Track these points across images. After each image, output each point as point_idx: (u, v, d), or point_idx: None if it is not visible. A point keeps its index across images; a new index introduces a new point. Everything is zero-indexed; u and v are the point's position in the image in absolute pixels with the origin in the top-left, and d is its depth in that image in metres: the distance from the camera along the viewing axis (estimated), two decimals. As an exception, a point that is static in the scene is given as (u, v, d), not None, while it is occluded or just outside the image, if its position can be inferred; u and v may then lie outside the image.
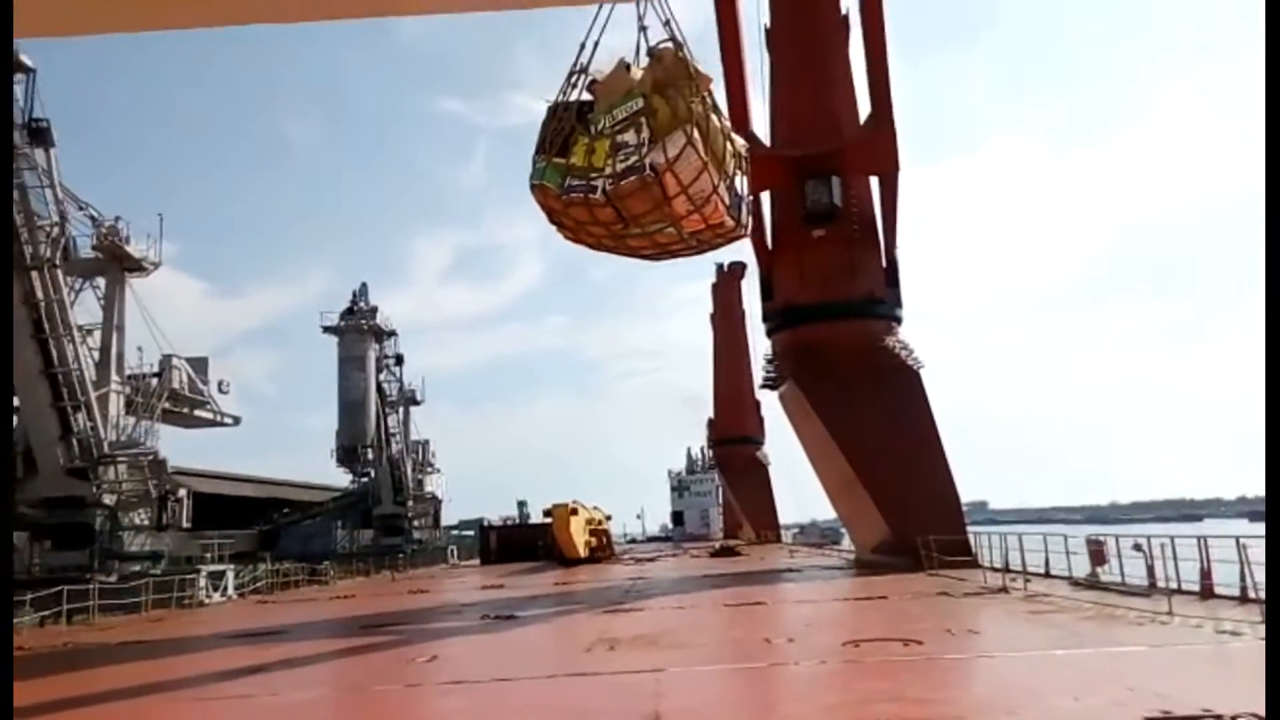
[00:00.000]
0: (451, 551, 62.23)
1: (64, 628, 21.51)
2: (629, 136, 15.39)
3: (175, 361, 34.76)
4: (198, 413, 36.70)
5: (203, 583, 28.94)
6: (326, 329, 60.47)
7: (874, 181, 32.64)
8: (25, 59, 26.93)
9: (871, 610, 17.61)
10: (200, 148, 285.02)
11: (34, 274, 27.23)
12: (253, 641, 17.16)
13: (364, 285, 62.25)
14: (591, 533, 46.56)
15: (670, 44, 16.34)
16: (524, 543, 50.62)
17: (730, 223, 17.21)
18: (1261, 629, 12.32)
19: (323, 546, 54.40)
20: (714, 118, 16.34)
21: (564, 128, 16.47)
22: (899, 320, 32.18)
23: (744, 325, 78.59)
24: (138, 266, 32.97)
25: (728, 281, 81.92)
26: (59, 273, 28.19)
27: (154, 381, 33.59)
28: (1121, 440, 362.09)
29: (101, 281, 32.63)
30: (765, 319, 34.23)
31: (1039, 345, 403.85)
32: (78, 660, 15.98)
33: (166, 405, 33.87)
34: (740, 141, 17.35)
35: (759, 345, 51.13)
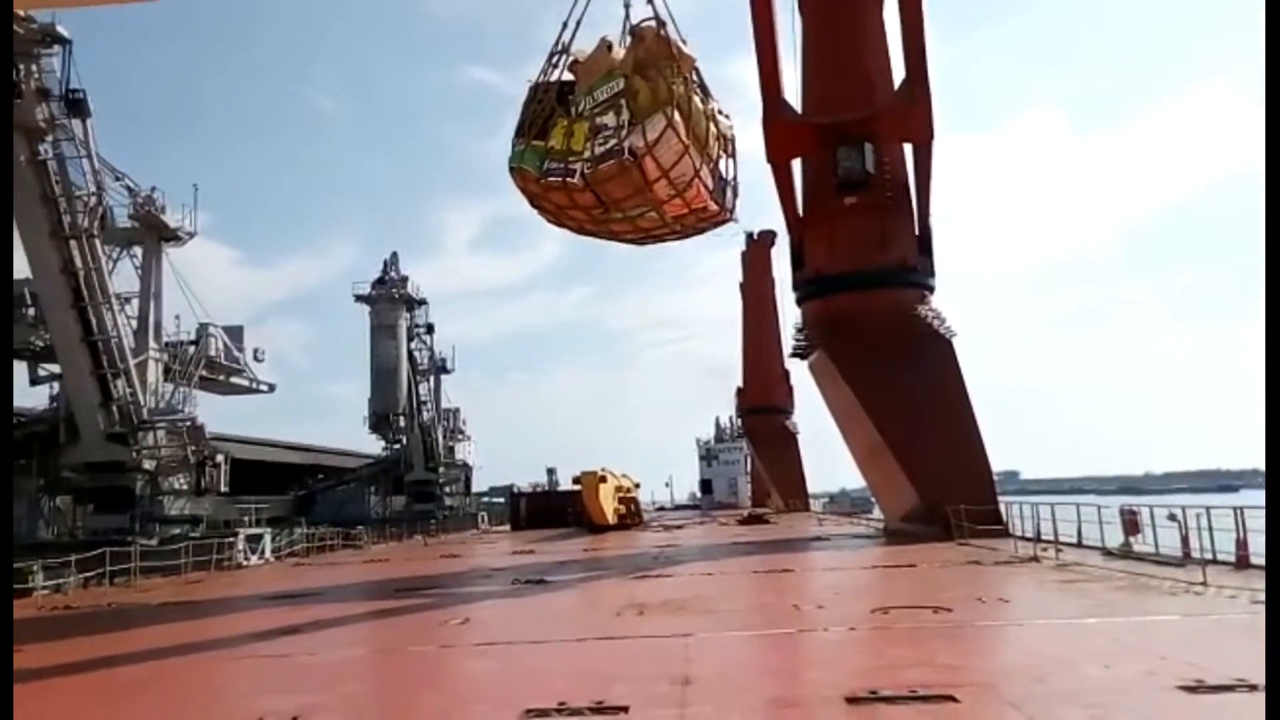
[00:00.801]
0: (482, 518, 63.01)
1: (107, 588, 22.11)
2: (608, 119, 14.97)
3: (211, 330, 35.37)
4: (234, 380, 37.34)
5: (241, 546, 29.54)
6: (358, 298, 61.03)
7: (907, 149, 32.09)
8: (62, 30, 27.17)
9: (901, 578, 17.60)
10: (232, 121, 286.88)
11: (72, 243, 27.68)
12: (290, 603, 17.51)
13: (394, 255, 62.72)
14: (620, 500, 46.87)
15: (653, 22, 15.65)
16: (553, 509, 51.11)
17: (714, 207, 16.57)
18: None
19: (356, 512, 55.40)
20: (696, 99, 15.65)
21: (544, 109, 15.92)
22: (931, 289, 31.78)
23: (773, 294, 78.09)
24: (173, 236, 33.46)
25: (757, 250, 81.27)
26: (97, 242, 28.64)
27: (191, 349, 34.22)
28: (1157, 410, 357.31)
29: (138, 251, 33.19)
30: (795, 287, 33.97)
31: (1075, 314, 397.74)
32: (121, 620, 16.42)
33: (203, 373, 34.52)
34: (726, 123, 16.65)
35: (788, 314, 50.90)
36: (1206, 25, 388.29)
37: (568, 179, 15.29)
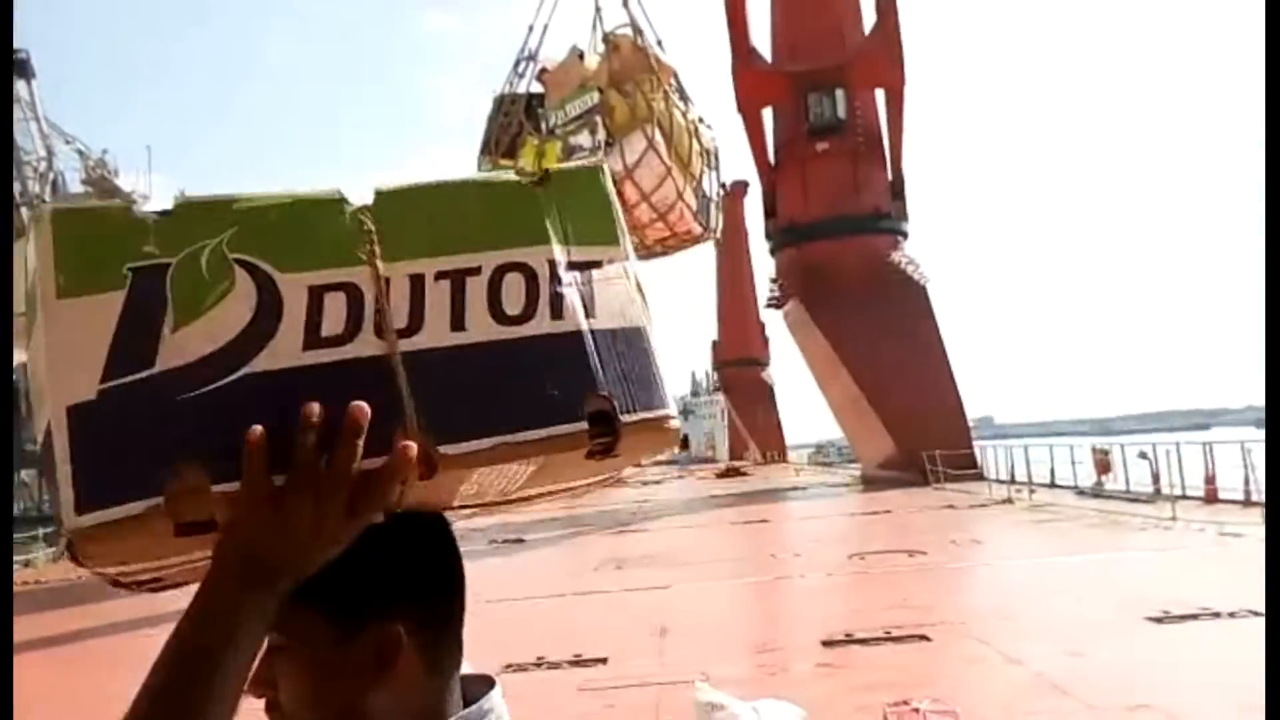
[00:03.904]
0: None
1: (80, 561, 21.80)
2: (583, 138, 13.96)
3: (175, 297, 34.70)
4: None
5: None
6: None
7: (879, 92, 31.81)
8: (-1, -14, 26.10)
9: (877, 524, 17.77)
10: (188, 81, 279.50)
11: (24, 210, 26.88)
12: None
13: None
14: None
15: (628, 29, 14.66)
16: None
17: (698, 229, 15.74)
18: (1263, 529, 12.39)
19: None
20: (677, 113, 14.71)
21: (511, 124, 14.91)
22: (905, 235, 31.75)
23: (746, 245, 77.82)
24: (129, 201, 32.60)
25: (729, 200, 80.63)
26: (51, 209, 27.84)
27: (154, 317, 33.56)
28: (1129, 352, 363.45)
29: (95, 217, 32.36)
30: (769, 237, 33.81)
31: (1048, 256, 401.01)
32: (93, 593, 16.19)
33: (169, 341, 33.89)
34: (709, 135, 15.68)
35: (762, 265, 50.79)
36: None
37: None
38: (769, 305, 39.23)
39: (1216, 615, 7.40)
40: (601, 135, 13.85)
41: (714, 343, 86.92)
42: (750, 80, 30.85)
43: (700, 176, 15.38)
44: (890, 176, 31.73)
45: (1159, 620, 7.42)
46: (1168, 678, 5.87)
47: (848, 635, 7.57)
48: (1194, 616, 7.43)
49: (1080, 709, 5.35)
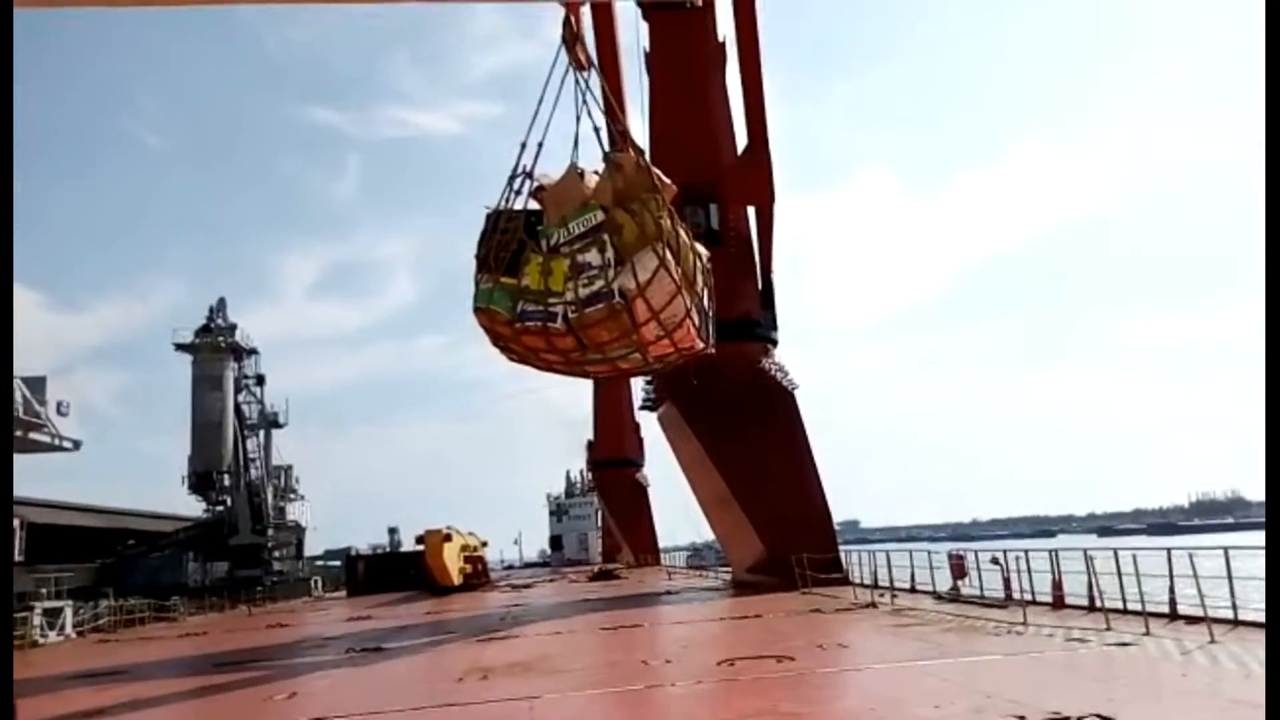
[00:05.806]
0: (316, 583, 59.49)
1: None
2: (591, 256, 13.89)
3: (8, 381, 32.09)
4: (33, 436, 33.79)
5: (37, 621, 26.81)
6: (179, 346, 57.00)
7: (751, 208, 33.50)
8: None
9: (747, 629, 17.78)
10: (37, 153, 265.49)
11: None
12: (94, 683, 15.84)
13: (221, 300, 59.06)
14: (466, 559, 45.49)
15: (629, 149, 14.86)
16: (395, 572, 48.88)
17: (700, 345, 15.97)
18: (1109, 635, 13.12)
19: (172, 580, 50.85)
20: (682, 232, 14.92)
21: (510, 241, 14.56)
22: (775, 342, 32.97)
23: (623, 348, 78.84)
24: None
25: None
26: None
27: (-18, 402, 30.85)
28: (982, 460, 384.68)
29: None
30: (644, 341, 34.38)
31: (906, 368, 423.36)
32: None
33: (-3, 428, 31.13)
34: (704, 252, 16.13)
35: (638, 368, 51.37)
36: (1025, 90, 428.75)
37: (548, 323, 14.01)
38: (643, 407, 39.67)
39: None
40: (611, 254, 13.74)
41: (589, 443, 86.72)
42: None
43: (703, 293, 15.60)
44: (760, 285, 33.14)
45: (1013, 726, 7.64)
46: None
47: (718, 747, 7.44)
48: (1045, 721, 7.70)
49: (944, 819, 5.39)
